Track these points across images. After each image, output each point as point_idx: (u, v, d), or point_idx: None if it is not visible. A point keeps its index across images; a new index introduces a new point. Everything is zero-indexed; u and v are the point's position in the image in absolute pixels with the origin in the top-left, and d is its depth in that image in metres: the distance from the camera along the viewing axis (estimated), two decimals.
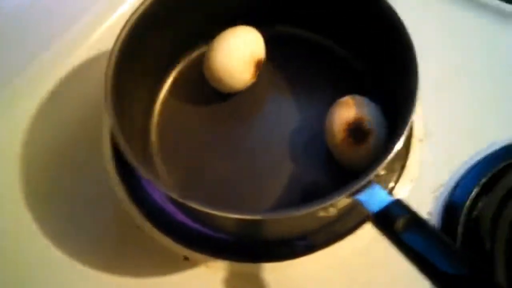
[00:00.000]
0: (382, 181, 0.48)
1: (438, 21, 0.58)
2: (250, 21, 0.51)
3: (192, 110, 0.52)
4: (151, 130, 0.51)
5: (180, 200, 0.37)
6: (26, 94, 0.54)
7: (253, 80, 0.50)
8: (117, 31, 0.44)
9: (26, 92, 0.54)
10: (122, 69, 0.42)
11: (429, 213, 0.47)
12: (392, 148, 0.38)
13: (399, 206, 0.36)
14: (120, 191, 0.49)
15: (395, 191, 0.48)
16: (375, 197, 0.37)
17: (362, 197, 0.37)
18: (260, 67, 0.50)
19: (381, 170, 0.40)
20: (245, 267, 0.46)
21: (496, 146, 0.49)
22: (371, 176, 0.37)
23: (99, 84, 0.42)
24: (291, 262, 0.46)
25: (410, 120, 0.40)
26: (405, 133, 0.39)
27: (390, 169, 0.49)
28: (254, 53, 0.49)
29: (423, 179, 0.49)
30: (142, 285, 0.46)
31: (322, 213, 0.39)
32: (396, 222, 0.35)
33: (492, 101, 0.52)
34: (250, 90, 0.52)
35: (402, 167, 0.49)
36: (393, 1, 0.45)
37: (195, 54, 0.54)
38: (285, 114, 0.51)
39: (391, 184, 0.49)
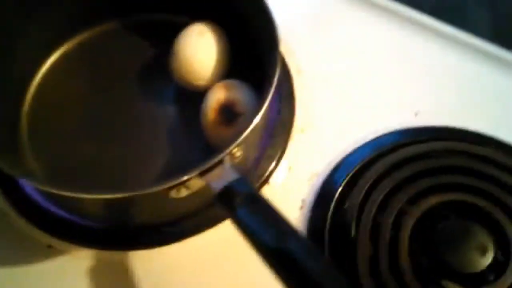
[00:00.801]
0: (254, 169, 0.47)
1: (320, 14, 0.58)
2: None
3: (64, 97, 0.50)
4: (22, 117, 0.49)
5: (29, 180, 0.36)
6: None
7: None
8: None
9: None
10: None
11: (303, 200, 0.47)
12: (248, 124, 0.38)
13: (241, 184, 0.35)
14: None
15: (271, 179, 0.48)
16: (222, 177, 0.36)
17: (210, 177, 0.37)
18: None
19: (239, 153, 0.39)
20: (112, 255, 0.45)
21: (373, 136, 0.49)
22: (221, 156, 0.37)
23: None
24: (159, 250, 0.45)
25: (268, 98, 0.39)
26: (262, 111, 0.39)
27: (265, 156, 0.48)
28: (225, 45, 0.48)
29: (300, 168, 0.49)
30: (4, 274, 0.44)
31: (174, 194, 0.38)
32: (235, 199, 0.34)
33: (367, 98, 0.53)
34: (128, 79, 0.51)
35: (281, 155, 0.49)
36: None
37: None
38: (162, 98, 0.50)
39: (268, 172, 0.48)
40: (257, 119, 0.39)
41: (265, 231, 0.31)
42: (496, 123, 0.50)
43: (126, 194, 0.37)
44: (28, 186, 0.47)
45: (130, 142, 0.48)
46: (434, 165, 0.46)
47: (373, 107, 0.52)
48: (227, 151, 0.37)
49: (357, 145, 0.49)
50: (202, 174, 0.37)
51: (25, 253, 0.45)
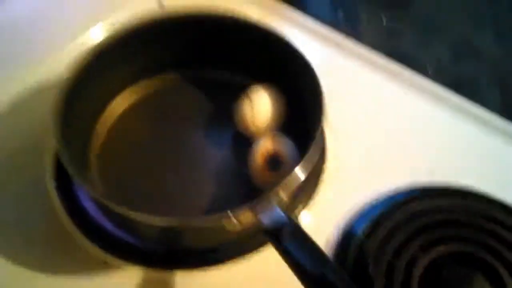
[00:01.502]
0: (291, 209, 0.54)
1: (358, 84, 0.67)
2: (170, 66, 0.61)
3: (129, 136, 0.58)
4: (91, 151, 0.57)
5: (97, 197, 0.43)
6: None
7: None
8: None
9: None
10: (73, 94, 0.49)
11: (328, 240, 0.54)
12: (290, 171, 0.45)
13: (289, 223, 0.42)
14: (55, 201, 0.54)
15: (302, 216, 0.55)
16: (271, 214, 0.43)
17: (261, 213, 0.44)
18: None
19: (283, 195, 0.47)
20: (159, 274, 0.51)
21: (393, 188, 0.57)
22: (271, 193, 0.44)
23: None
24: (202, 272, 0.51)
25: (308, 153, 0.47)
26: (305, 164, 0.46)
27: (298, 199, 0.55)
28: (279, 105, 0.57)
29: (327, 211, 0.56)
30: (65, 285, 0.51)
31: (228, 227, 0.45)
32: (283, 236, 0.41)
33: (390, 155, 0.60)
34: (185, 120, 0.59)
35: (310, 199, 0.56)
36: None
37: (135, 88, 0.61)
38: (217, 141, 0.58)
39: (298, 214, 0.55)
40: (299, 167, 0.46)
41: (309, 263, 0.38)
42: (501, 186, 0.57)
43: (187, 222, 0.44)
44: (90, 207, 0.54)
45: (185, 175, 0.56)
46: (444, 219, 0.53)
47: (395, 163, 0.59)
48: (276, 191, 0.44)
49: (378, 196, 0.56)
50: (252, 208, 0.44)
51: (84, 268, 0.51)
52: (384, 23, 0.75)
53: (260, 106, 0.55)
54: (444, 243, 0.51)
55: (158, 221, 0.44)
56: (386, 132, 0.62)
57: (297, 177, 0.47)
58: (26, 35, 0.63)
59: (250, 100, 0.55)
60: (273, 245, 0.42)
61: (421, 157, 0.60)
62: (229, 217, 0.44)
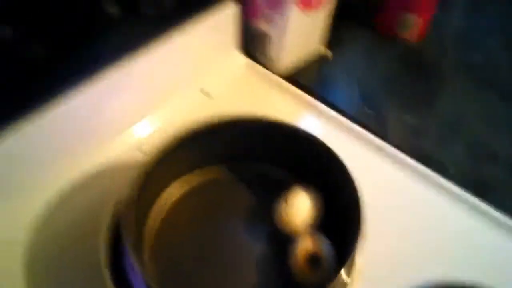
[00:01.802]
0: None
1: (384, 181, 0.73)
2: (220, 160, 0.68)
3: (178, 223, 0.64)
4: (146, 234, 0.62)
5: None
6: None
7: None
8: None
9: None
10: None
11: None
12: (332, 279, 0.51)
13: None
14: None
15: None
16: None
17: None
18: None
19: None
20: None
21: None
22: None
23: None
24: None
25: (347, 262, 0.53)
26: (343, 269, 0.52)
27: None
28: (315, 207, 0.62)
29: None
30: None
31: None
32: None
33: (422, 255, 0.66)
34: (229, 212, 0.65)
35: None
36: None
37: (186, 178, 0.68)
38: (259, 235, 0.64)
39: None
40: (340, 274, 0.52)
41: None
42: None
43: None
44: None
45: (225, 269, 0.61)
46: None
47: (415, 259, 0.65)
48: None
49: None
50: None
51: None
52: (409, 122, 0.82)
53: (297, 208, 0.61)
54: None
55: None
56: (412, 233, 0.68)
57: (341, 280, 0.53)
58: (80, 126, 0.70)
59: (287, 202, 0.61)
60: None
61: (440, 255, 0.66)
62: None
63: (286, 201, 0.61)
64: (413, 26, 0.94)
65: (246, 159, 0.69)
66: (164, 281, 0.59)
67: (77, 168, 0.70)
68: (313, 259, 0.58)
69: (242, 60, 0.87)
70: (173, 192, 0.66)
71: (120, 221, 0.53)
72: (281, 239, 0.62)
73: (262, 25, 0.84)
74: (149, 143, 0.73)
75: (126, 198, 0.54)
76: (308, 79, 0.88)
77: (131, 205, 0.54)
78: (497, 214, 0.69)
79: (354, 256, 0.63)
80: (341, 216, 0.61)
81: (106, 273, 0.57)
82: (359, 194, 0.58)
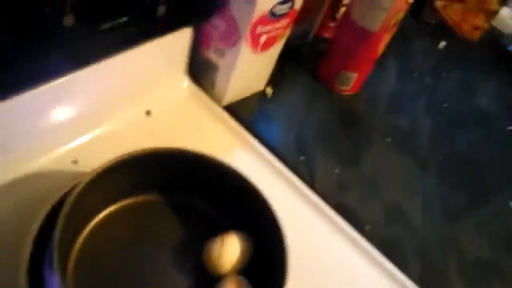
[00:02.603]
0: None
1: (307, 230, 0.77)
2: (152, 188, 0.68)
3: (105, 251, 0.63)
4: (70, 260, 0.60)
5: None
6: None
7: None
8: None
9: None
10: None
11: None
12: None
13: None
14: None
15: None
16: None
17: None
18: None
19: None
20: None
21: None
22: None
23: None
24: None
25: None
26: None
27: None
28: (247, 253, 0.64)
29: None
30: None
31: None
32: None
33: None
34: (157, 242, 0.65)
35: None
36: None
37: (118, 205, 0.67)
38: (182, 269, 0.64)
39: None
40: None
41: None
42: None
43: None
44: None
45: None
46: None
47: None
48: None
49: None
50: None
51: None
52: (336, 175, 0.86)
53: (231, 250, 0.62)
54: None
55: None
56: (326, 284, 0.72)
57: None
58: (18, 130, 0.67)
59: (223, 243, 0.62)
60: None
61: None
62: None
63: (222, 242, 0.62)
64: (350, 82, 0.99)
65: (179, 191, 0.69)
66: None
67: (8, 171, 0.66)
68: None
69: (189, 86, 0.88)
70: (104, 217, 0.65)
71: (52, 242, 0.51)
72: (206, 278, 0.63)
73: (212, 56, 0.85)
74: (87, 159, 0.70)
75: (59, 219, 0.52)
76: (247, 113, 0.90)
77: (62, 225, 0.52)
78: (404, 278, 0.75)
79: None
80: (266, 260, 0.63)
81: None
82: (285, 238, 0.60)
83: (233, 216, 0.69)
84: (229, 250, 0.62)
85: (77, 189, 0.54)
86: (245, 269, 0.64)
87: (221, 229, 0.65)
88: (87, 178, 0.56)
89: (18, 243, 0.60)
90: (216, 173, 0.65)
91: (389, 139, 0.97)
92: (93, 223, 0.64)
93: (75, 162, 0.71)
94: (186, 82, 0.87)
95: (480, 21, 1.29)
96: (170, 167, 0.65)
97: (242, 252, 0.63)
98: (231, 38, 0.80)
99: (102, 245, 0.63)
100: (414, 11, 1.28)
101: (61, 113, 0.70)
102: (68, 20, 0.60)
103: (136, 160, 0.61)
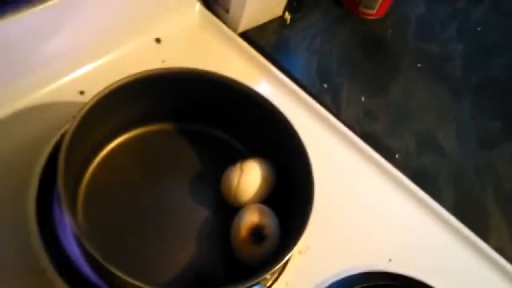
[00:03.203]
0: (264, 280, 0.57)
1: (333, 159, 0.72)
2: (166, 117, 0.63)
3: (117, 183, 0.59)
4: (80, 192, 0.57)
5: (100, 260, 0.44)
6: None
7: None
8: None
9: None
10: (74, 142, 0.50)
11: None
12: (282, 259, 0.48)
13: None
14: (33, 234, 0.54)
15: None
16: None
17: None
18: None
19: (268, 276, 0.50)
20: None
21: (355, 271, 0.61)
22: (260, 279, 0.47)
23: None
24: None
25: (299, 239, 0.50)
26: (293, 250, 0.50)
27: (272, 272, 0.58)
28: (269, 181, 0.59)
29: (294, 284, 0.59)
30: None
31: None
32: None
33: (355, 238, 0.65)
34: (173, 174, 0.61)
35: (282, 270, 0.59)
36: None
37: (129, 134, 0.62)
38: (203, 203, 0.60)
39: (269, 283, 0.58)
40: (289, 255, 0.49)
41: None
42: (448, 283, 0.64)
43: None
44: (71, 249, 0.54)
45: (164, 233, 0.57)
46: None
47: (359, 247, 0.64)
48: (266, 275, 0.47)
49: (342, 276, 0.61)
50: None
51: None
52: (363, 103, 0.80)
53: (252, 178, 0.57)
54: None
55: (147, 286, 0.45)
56: (354, 213, 0.67)
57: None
58: (22, 55, 0.62)
59: (242, 170, 0.57)
60: None
61: (382, 243, 0.66)
62: None
63: (241, 169, 0.57)
64: (375, 4, 0.92)
65: (195, 120, 0.65)
66: (96, 240, 0.54)
67: (13, 102, 0.62)
68: (258, 234, 0.55)
69: (200, 10, 0.81)
70: (115, 147, 0.61)
71: (57, 166, 0.47)
72: (226, 210, 0.59)
73: None
74: (94, 90, 0.66)
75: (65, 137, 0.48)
76: (265, 41, 0.84)
77: (67, 148, 0.48)
78: (437, 206, 0.70)
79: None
80: (290, 191, 0.59)
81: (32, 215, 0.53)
82: (311, 167, 0.55)
83: (254, 145, 0.64)
84: (250, 177, 0.57)
85: (81, 113, 0.50)
86: (268, 198, 0.60)
87: (241, 158, 0.60)
88: (92, 100, 0.51)
89: (27, 175, 0.57)
90: (238, 97, 0.60)
91: (419, 65, 0.90)
92: (103, 153, 0.59)
93: (82, 93, 0.66)
94: (197, 6, 0.81)
95: None
96: (187, 92, 0.60)
97: (264, 180, 0.58)
98: None
99: (114, 177, 0.59)
100: None
101: (65, 39, 0.65)
102: None
103: (148, 82, 0.55)
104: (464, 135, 0.82)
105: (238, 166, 0.58)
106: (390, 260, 0.64)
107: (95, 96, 0.51)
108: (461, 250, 0.68)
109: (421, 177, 0.73)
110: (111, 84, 0.52)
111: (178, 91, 0.60)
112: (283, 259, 0.48)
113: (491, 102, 0.90)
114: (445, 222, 0.69)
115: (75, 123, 0.49)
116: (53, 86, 0.65)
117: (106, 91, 0.52)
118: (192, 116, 0.64)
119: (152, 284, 0.45)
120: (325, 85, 0.80)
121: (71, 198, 0.55)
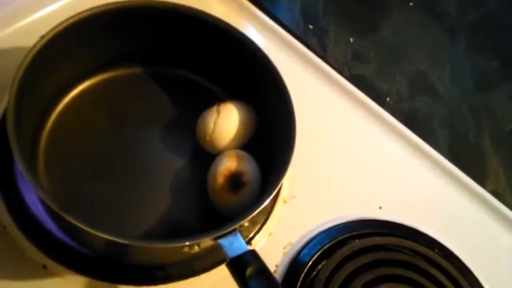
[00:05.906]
0: (244, 230, 0.53)
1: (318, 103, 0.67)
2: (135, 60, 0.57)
3: (82, 131, 0.54)
4: (41, 140, 0.52)
5: (58, 211, 0.40)
6: None
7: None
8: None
9: None
10: (26, 85, 0.45)
11: (277, 265, 0.54)
12: (260, 205, 0.44)
13: (252, 256, 0.42)
14: None
15: (253, 241, 0.54)
16: (234, 244, 0.42)
17: (224, 242, 0.43)
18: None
19: (245, 222, 0.46)
20: (103, 286, 0.49)
21: (343, 220, 0.58)
22: (237, 225, 0.43)
23: None
24: None
25: (279, 186, 0.46)
26: (273, 195, 0.46)
27: (253, 221, 0.54)
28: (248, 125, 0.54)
29: (279, 235, 0.56)
30: None
31: (186, 250, 0.43)
32: (246, 270, 0.40)
33: (343, 186, 0.61)
34: (143, 121, 0.56)
35: (265, 221, 0.55)
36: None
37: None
38: (177, 150, 0.55)
39: (252, 234, 0.54)
40: (268, 200, 0.45)
41: None
42: (443, 229, 0.60)
43: (143, 245, 0.42)
44: (33, 204, 0.49)
45: (136, 183, 0.53)
46: (388, 257, 0.55)
47: (347, 195, 0.60)
48: (243, 221, 0.43)
49: (329, 225, 0.57)
50: (217, 238, 0.43)
51: (19, 270, 0.48)
52: (351, 45, 0.75)
53: (229, 121, 0.53)
54: (387, 281, 0.53)
55: (109, 237, 0.41)
56: (341, 160, 0.63)
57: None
58: None
59: (219, 113, 0.53)
60: (235, 277, 0.41)
61: (372, 190, 0.62)
62: (189, 245, 0.42)
63: (218, 112, 0.53)
64: None
65: (167, 63, 0.59)
66: (59, 193, 0.50)
67: None
68: (235, 181, 0.50)
69: None
70: (78, 94, 0.56)
71: (7, 117, 0.42)
72: (203, 157, 0.54)
73: None
74: None
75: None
76: None
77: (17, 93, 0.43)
78: (430, 150, 0.66)
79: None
80: (271, 136, 0.54)
81: None
82: (293, 108, 0.51)
83: (232, 88, 0.59)
84: (227, 120, 0.52)
85: (34, 49, 0.44)
86: (249, 146, 0.55)
87: (218, 101, 0.55)
88: (48, 34, 0.46)
89: None
90: (213, 33, 0.54)
91: (411, 4, 0.84)
92: (67, 98, 0.54)
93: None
94: None
95: None
96: (155, 29, 0.55)
97: (242, 124, 0.53)
98: None
99: (79, 126, 0.54)
100: None
101: None
102: None
103: (108, 16, 0.50)
104: (459, 76, 0.77)
105: (214, 108, 0.53)
106: (380, 207, 0.60)
107: (47, 33, 0.46)
108: (457, 196, 0.64)
109: (414, 120, 0.69)
110: (65, 20, 0.47)
111: (144, 27, 0.55)
112: (261, 204, 0.44)
113: (488, 41, 0.85)
114: (439, 166, 0.65)
115: (22, 68, 0.44)
116: (10, 29, 0.59)
117: (60, 27, 0.47)
118: (163, 58, 0.58)
119: (119, 235, 0.41)
120: (311, 26, 0.75)
121: (31, 148, 0.50)
